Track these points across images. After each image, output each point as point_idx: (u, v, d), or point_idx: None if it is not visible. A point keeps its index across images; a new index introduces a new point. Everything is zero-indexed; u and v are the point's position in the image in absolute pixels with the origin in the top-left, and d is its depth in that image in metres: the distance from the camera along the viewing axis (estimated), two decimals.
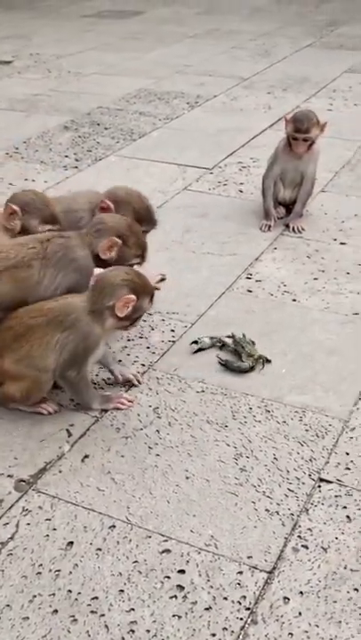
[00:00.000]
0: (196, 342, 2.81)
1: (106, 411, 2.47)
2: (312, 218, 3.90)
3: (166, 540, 1.98)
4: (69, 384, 2.39)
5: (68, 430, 2.39)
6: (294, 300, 3.16)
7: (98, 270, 2.40)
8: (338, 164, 4.62)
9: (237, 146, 4.95)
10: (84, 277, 2.42)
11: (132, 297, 2.30)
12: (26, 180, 4.37)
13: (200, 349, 2.79)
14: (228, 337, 2.83)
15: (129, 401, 2.49)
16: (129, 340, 2.85)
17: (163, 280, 3.25)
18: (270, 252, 3.58)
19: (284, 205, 3.92)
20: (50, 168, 4.60)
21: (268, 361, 2.70)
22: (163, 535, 2.00)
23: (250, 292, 3.23)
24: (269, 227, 3.78)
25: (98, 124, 5.40)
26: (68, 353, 2.31)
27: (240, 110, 5.71)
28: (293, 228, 3.77)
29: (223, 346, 2.80)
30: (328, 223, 3.86)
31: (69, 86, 6.35)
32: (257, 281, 3.32)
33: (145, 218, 2.86)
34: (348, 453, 2.30)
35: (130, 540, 1.99)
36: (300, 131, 3.61)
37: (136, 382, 2.58)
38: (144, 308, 2.39)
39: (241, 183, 4.37)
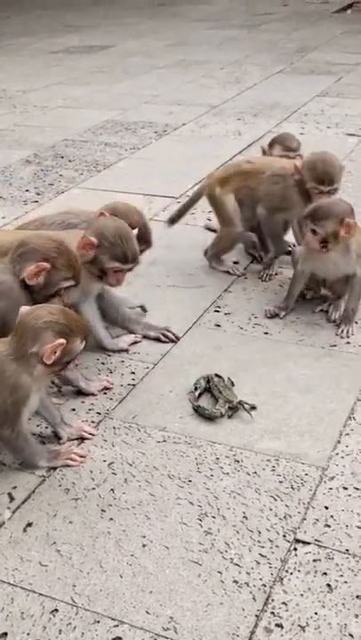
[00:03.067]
0: (196, 387, 2.52)
1: (54, 468, 2.19)
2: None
3: (117, 625, 1.69)
4: (5, 443, 2.11)
5: (9, 494, 2.10)
6: (266, 334, 2.91)
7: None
8: None
9: (206, 173, 4.72)
10: (9, 305, 2.21)
11: (61, 341, 2.02)
12: None
13: (200, 394, 2.51)
14: (217, 376, 2.54)
15: (80, 456, 2.21)
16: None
17: (143, 311, 3.06)
18: (240, 282, 3.33)
19: None
20: (9, 203, 4.37)
21: (250, 407, 2.42)
22: (113, 619, 1.71)
23: (218, 326, 2.98)
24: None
25: (61, 157, 5.19)
26: None
27: (209, 137, 5.53)
28: (345, 332, 2.84)
29: (208, 387, 2.52)
30: None
31: (34, 120, 6.16)
32: (226, 314, 3.06)
33: (141, 236, 2.72)
34: (327, 507, 2.02)
35: (74, 628, 1.69)
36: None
37: (88, 436, 2.31)
38: (75, 350, 2.11)
39: (209, 211, 4.13)
